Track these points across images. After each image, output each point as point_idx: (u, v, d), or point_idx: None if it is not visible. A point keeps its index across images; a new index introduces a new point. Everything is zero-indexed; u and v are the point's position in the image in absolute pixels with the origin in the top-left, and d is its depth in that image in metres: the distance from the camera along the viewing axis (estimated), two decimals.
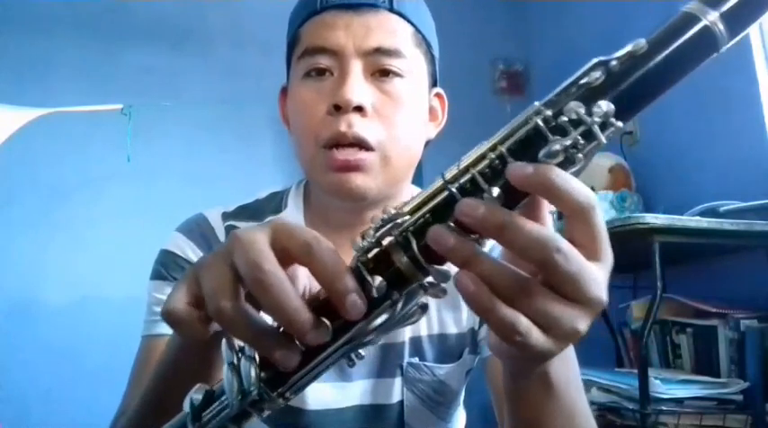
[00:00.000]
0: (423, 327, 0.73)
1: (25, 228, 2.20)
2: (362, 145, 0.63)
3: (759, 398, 1.39)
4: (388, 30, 0.65)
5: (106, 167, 2.30)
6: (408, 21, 0.67)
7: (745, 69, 1.71)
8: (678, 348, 1.61)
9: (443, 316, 0.74)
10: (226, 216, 0.74)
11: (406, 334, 0.72)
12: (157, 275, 0.71)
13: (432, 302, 0.72)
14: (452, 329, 0.74)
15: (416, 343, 0.73)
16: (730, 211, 1.52)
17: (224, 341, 0.36)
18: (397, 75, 0.65)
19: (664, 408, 1.36)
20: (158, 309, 0.68)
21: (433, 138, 0.76)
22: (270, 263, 0.34)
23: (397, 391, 0.72)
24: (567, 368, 0.45)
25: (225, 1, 2.54)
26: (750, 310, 1.49)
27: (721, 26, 0.33)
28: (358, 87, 0.63)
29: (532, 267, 0.34)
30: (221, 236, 0.72)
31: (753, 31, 1.71)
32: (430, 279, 0.34)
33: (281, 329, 0.35)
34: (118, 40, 2.41)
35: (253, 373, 0.34)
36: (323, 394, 0.70)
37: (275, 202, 0.77)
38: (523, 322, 0.33)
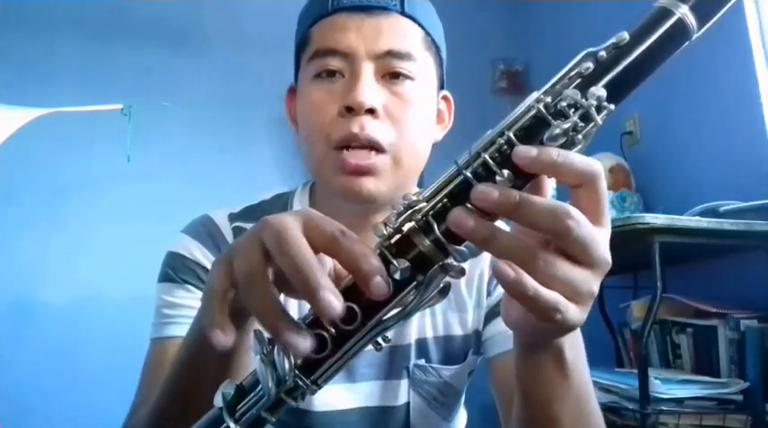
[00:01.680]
0: (428, 329, 0.73)
1: (25, 228, 2.20)
2: (374, 147, 0.63)
3: (759, 398, 1.39)
4: (400, 33, 0.66)
5: (106, 167, 2.30)
6: (419, 24, 0.67)
7: (745, 69, 1.71)
8: (678, 348, 1.61)
9: (449, 318, 0.74)
10: (233, 217, 0.74)
11: (412, 335, 0.72)
12: (166, 278, 0.71)
13: (438, 305, 0.72)
14: (458, 331, 0.74)
15: (422, 344, 0.73)
16: (730, 211, 1.52)
17: (253, 333, 0.37)
18: (407, 77, 0.66)
19: (664, 408, 1.36)
20: (168, 312, 0.69)
21: (441, 141, 0.76)
22: (303, 244, 0.35)
23: (403, 393, 0.72)
24: (577, 348, 0.47)
25: (224, 1, 2.54)
26: (750, 310, 1.48)
27: (691, 17, 0.37)
28: (370, 89, 0.63)
29: (541, 240, 0.36)
30: (228, 237, 0.72)
31: (752, 31, 1.71)
32: (450, 260, 0.36)
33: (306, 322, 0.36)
34: (118, 40, 2.41)
35: (287, 362, 0.35)
36: (329, 395, 0.70)
37: (281, 203, 0.77)
38: (562, 300, 0.36)
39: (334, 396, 0.70)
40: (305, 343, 0.34)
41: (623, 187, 1.91)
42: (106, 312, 2.14)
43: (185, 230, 0.74)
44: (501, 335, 0.70)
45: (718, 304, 1.53)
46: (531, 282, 0.35)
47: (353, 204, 0.67)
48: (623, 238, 1.47)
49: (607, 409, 1.50)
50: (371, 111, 0.63)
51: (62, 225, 2.22)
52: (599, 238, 0.36)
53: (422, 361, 0.72)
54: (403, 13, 0.66)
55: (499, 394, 0.70)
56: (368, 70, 0.64)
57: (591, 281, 0.37)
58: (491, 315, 0.73)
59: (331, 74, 0.66)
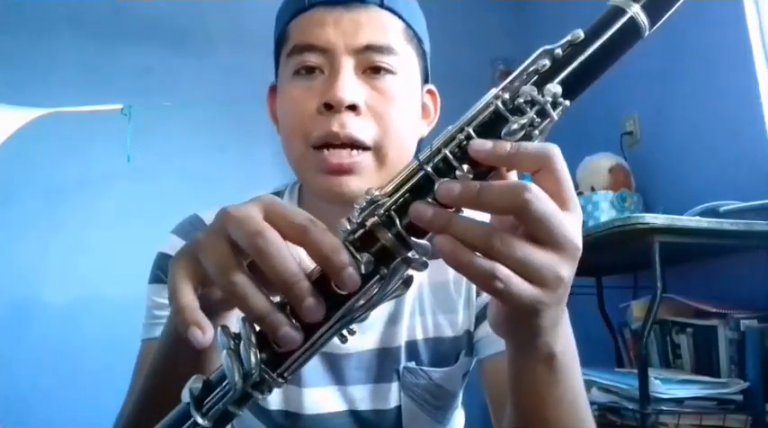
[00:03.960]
0: (418, 331, 0.72)
1: (25, 228, 2.20)
2: (356, 145, 0.62)
3: (759, 398, 1.39)
4: (379, 26, 0.64)
5: (106, 167, 2.30)
6: (399, 16, 0.66)
7: (745, 69, 1.71)
8: (678, 348, 1.61)
9: (439, 319, 0.73)
10: None
11: (402, 338, 0.71)
12: (156, 279, 0.70)
13: (427, 306, 0.73)
14: (448, 332, 0.73)
15: (412, 347, 0.72)
16: (730, 211, 1.51)
17: (219, 328, 0.37)
18: (388, 71, 0.64)
19: (664, 408, 1.36)
20: (157, 313, 0.68)
21: (428, 136, 0.75)
22: (269, 230, 0.35)
23: (394, 396, 0.71)
24: (570, 353, 0.45)
25: (225, 1, 2.54)
26: (750, 310, 1.48)
27: (643, 16, 0.38)
28: (350, 85, 0.61)
29: (511, 227, 0.36)
30: None
31: (752, 31, 1.71)
32: (413, 254, 0.37)
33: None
34: (118, 40, 2.41)
35: (252, 355, 0.35)
36: (320, 399, 0.69)
37: None
38: (501, 269, 0.35)
39: (324, 399, 0.69)
40: (298, 336, 0.35)
41: (623, 187, 1.91)
42: (106, 312, 2.14)
43: (174, 230, 0.73)
44: (492, 337, 0.69)
45: (718, 304, 1.53)
46: (466, 251, 0.35)
47: (336, 205, 0.64)
48: (623, 238, 1.48)
49: (607, 409, 1.50)
50: (353, 108, 0.61)
51: (62, 225, 2.22)
52: (563, 218, 0.36)
53: (412, 364, 0.71)
54: (382, 5, 0.64)
55: (490, 395, 0.70)
56: (347, 65, 0.62)
57: (558, 265, 0.36)
58: (482, 316, 0.72)
59: (310, 70, 0.64)
